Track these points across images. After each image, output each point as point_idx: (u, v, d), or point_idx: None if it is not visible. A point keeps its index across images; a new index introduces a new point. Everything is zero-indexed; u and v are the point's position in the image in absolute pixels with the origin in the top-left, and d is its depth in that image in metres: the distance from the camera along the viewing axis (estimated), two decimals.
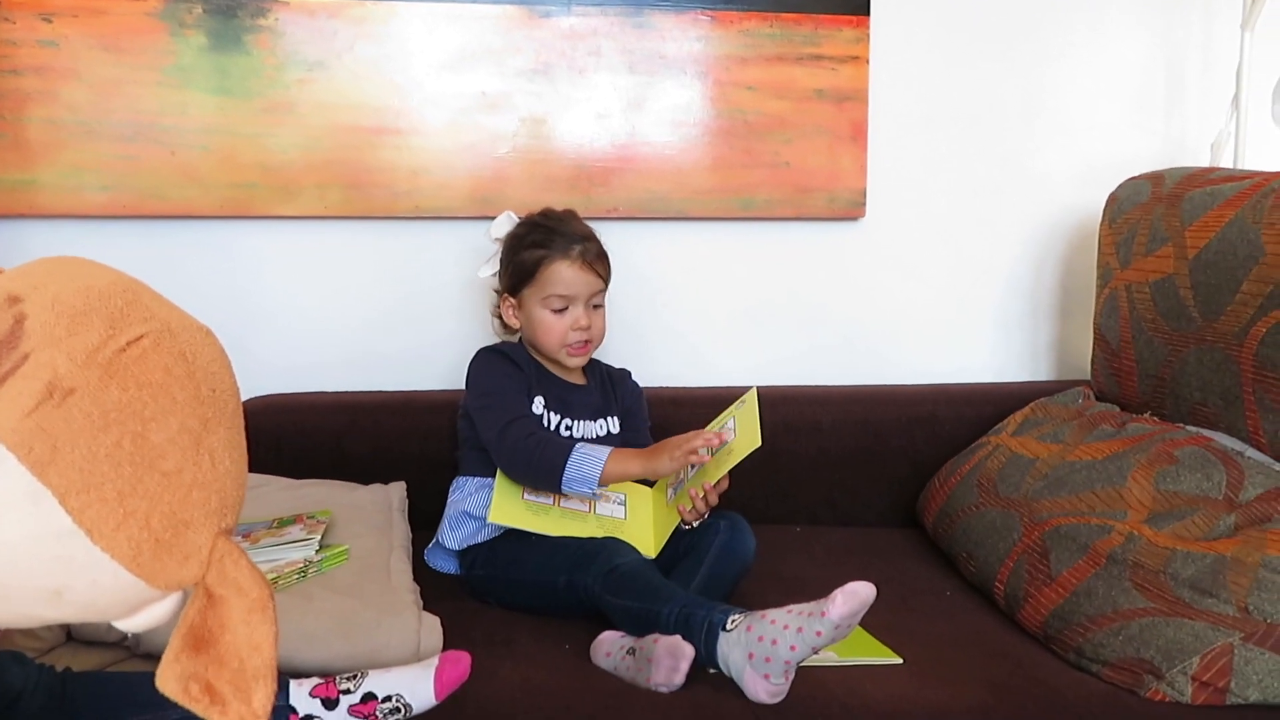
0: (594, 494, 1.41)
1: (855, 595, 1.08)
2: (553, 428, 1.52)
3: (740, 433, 1.43)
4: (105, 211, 1.70)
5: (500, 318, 1.60)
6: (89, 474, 0.55)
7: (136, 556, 0.57)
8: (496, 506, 1.41)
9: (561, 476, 1.39)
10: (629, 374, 1.68)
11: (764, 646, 1.10)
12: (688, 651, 1.13)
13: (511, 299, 1.55)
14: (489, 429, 1.45)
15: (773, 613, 1.13)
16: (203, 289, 1.74)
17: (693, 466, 1.45)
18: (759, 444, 1.38)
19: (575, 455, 1.39)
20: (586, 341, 1.53)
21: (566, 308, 1.50)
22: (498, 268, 1.58)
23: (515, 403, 1.48)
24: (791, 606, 1.12)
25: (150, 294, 0.64)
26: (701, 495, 1.39)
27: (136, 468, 0.57)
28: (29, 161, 1.66)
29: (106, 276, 0.63)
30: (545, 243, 1.50)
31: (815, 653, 1.10)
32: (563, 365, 1.57)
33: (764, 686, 1.10)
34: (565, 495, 1.43)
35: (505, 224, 1.57)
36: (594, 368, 1.64)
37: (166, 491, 0.58)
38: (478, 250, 1.64)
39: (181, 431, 0.59)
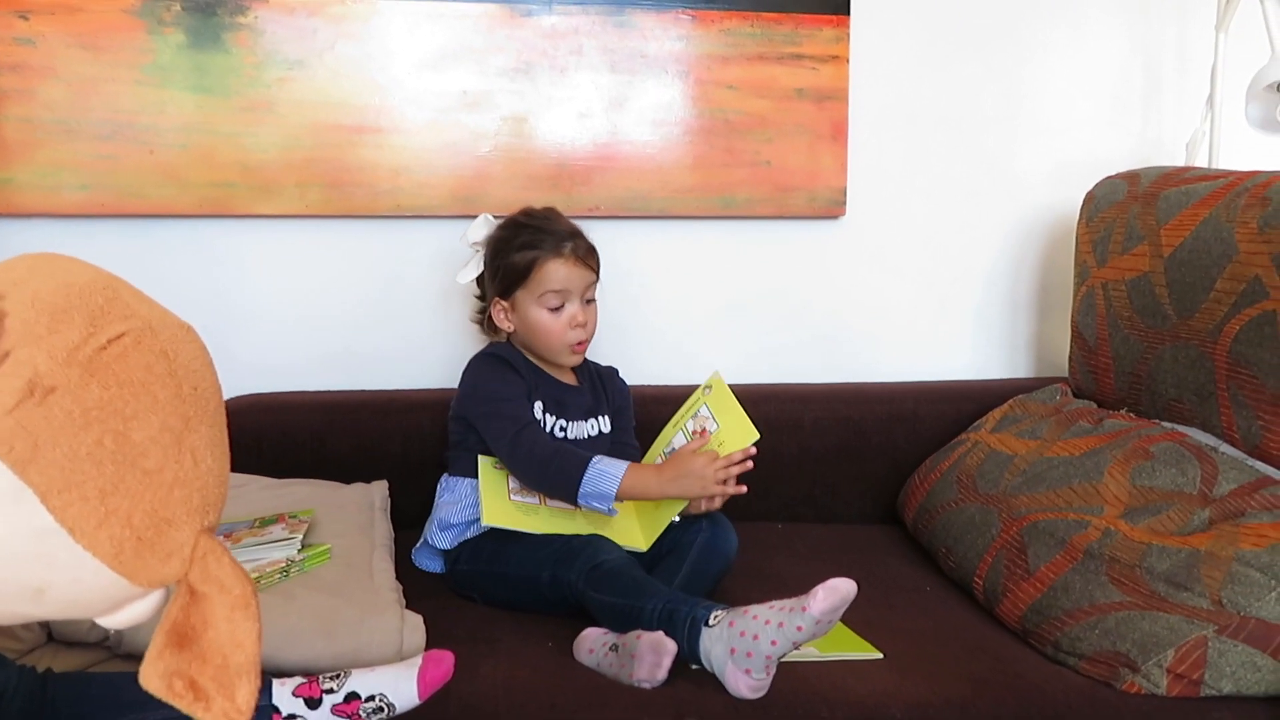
0: (611, 511, 1.41)
1: (836, 591, 1.09)
2: (548, 429, 1.52)
3: (725, 426, 1.44)
4: (83, 210, 1.68)
5: (482, 323, 1.60)
6: (70, 472, 0.55)
7: (118, 554, 0.57)
8: (487, 508, 1.41)
9: (578, 492, 1.39)
10: (616, 372, 1.68)
11: (745, 641, 1.11)
12: (670, 647, 1.14)
13: (503, 302, 1.54)
14: (499, 437, 1.45)
15: (754, 608, 1.13)
16: (182, 288, 1.73)
17: (666, 452, 1.47)
18: (756, 435, 1.40)
19: (591, 471, 1.39)
20: (586, 339, 1.53)
21: (562, 305, 1.50)
22: (477, 272, 1.58)
23: (521, 409, 1.48)
24: (773, 602, 1.13)
25: (131, 291, 0.64)
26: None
27: (118, 466, 0.57)
28: (6, 160, 1.65)
29: (87, 274, 0.63)
30: (536, 243, 1.49)
31: (796, 648, 1.11)
32: (557, 365, 1.57)
33: (745, 681, 1.11)
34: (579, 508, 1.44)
35: (484, 227, 1.56)
36: (584, 367, 1.64)
37: (148, 490, 0.58)
38: (459, 249, 1.63)
39: (163, 430, 0.59)
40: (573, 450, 1.44)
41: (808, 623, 1.09)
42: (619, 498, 1.39)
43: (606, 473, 1.39)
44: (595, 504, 1.39)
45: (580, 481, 1.38)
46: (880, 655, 1.26)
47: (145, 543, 0.58)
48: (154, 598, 0.62)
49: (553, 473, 1.42)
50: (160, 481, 0.58)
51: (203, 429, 0.62)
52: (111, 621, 0.62)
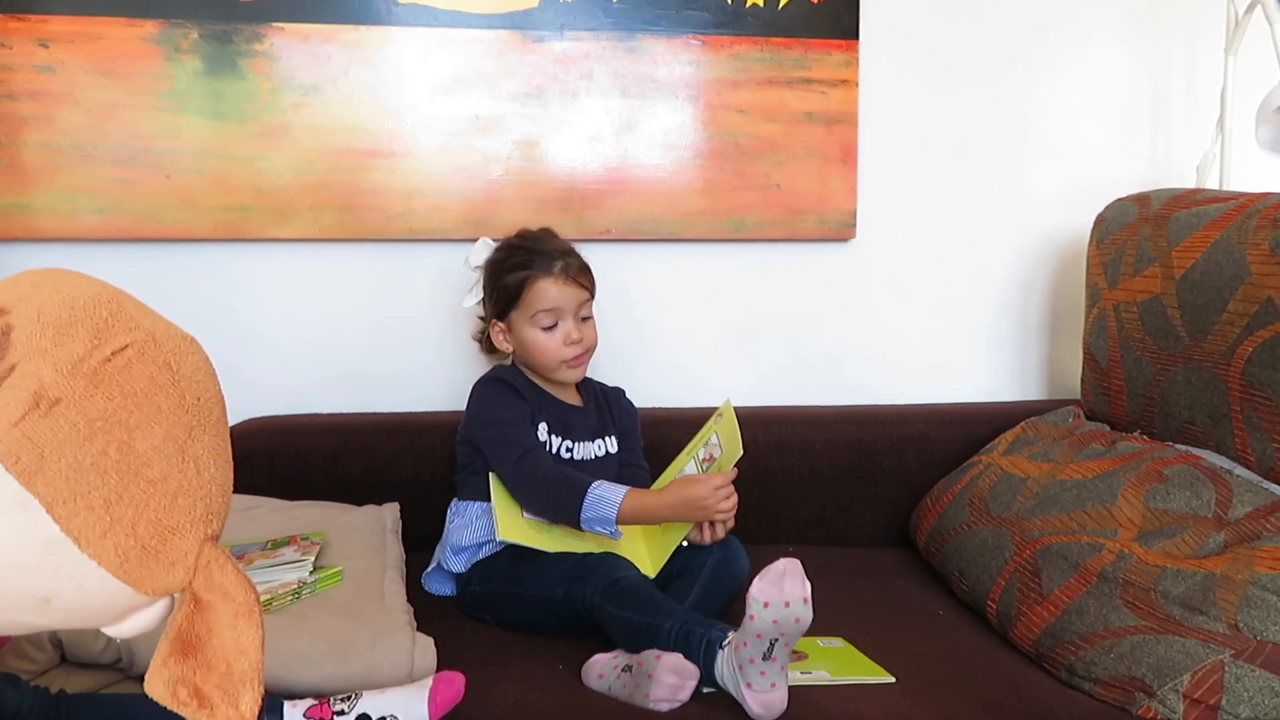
0: (613, 533, 1.41)
1: (769, 570, 1.09)
2: (554, 451, 1.53)
3: (726, 446, 1.44)
4: (100, 234, 1.70)
5: (483, 344, 1.61)
6: (75, 482, 0.56)
7: (123, 563, 0.58)
8: (502, 525, 1.42)
9: (580, 517, 1.39)
10: (623, 393, 1.68)
11: (739, 654, 1.12)
12: (693, 671, 1.14)
13: (500, 323, 1.55)
14: (502, 462, 1.46)
15: (738, 627, 1.14)
16: (197, 311, 1.74)
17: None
18: (741, 453, 1.40)
19: (591, 497, 1.39)
20: (582, 353, 1.54)
21: (556, 324, 1.51)
22: (480, 296, 1.59)
23: (524, 434, 1.49)
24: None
25: (135, 304, 0.65)
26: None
27: (122, 476, 0.57)
28: (25, 185, 1.67)
29: (91, 287, 0.64)
30: (527, 263, 1.51)
31: (763, 641, 1.09)
32: (560, 385, 1.58)
33: (751, 696, 1.12)
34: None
35: (484, 250, 1.58)
36: (589, 387, 1.64)
37: (152, 499, 0.59)
38: (469, 272, 1.65)
39: (166, 440, 0.60)
40: (574, 475, 1.44)
41: (755, 609, 1.08)
42: (619, 522, 1.39)
43: (606, 498, 1.39)
44: (598, 528, 1.40)
45: (581, 507, 1.39)
46: (893, 679, 1.25)
47: (149, 551, 0.59)
48: (159, 606, 0.63)
49: (554, 498, 1.43)
50: (164, 491, 0.59)
51: (206, 439, 0.63)
52: (117, 631, 0.62)
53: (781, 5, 1.81)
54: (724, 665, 1.14)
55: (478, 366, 1.75)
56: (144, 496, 0.58)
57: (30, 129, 1.66)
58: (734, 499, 1.40)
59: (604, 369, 1.78)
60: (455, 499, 1.56)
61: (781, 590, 1.08)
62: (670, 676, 1.14)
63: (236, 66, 1.70)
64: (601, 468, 1.53)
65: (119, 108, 1.68)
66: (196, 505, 0.61)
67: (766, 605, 1.08)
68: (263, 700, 0.63)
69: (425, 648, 1.22)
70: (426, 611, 1.37)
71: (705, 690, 1.17)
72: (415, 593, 1.46)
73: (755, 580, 1.10)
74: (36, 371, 0.57)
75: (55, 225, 1.69)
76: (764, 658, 1.10)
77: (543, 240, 1.54)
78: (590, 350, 1.56)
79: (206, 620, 0.61)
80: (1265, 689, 1.11)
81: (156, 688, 0.61)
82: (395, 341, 1.83)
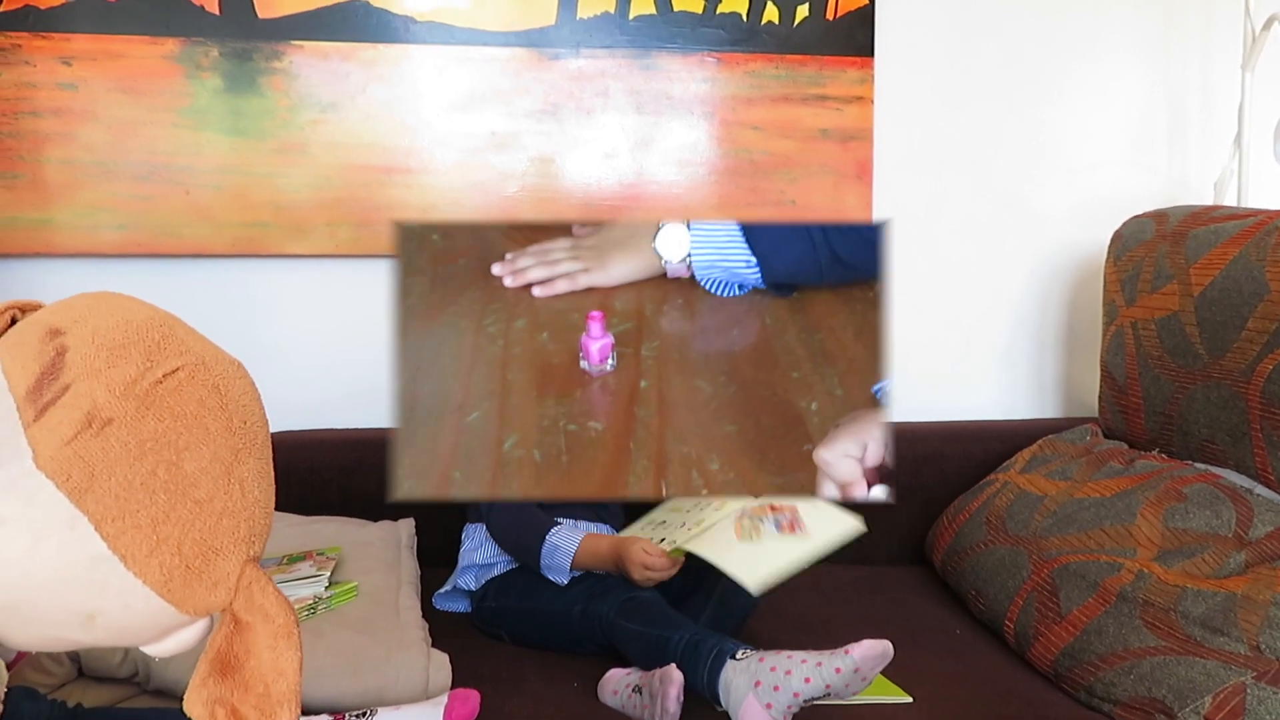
0: (564, 581, 1.42)
1: (878, 644, 1.11)
2: None
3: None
4: (120, 250, 1.72)
5: None
6: (124, 501, 0.57)
7: (168, 582, 0.59)
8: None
9: (539, 564, 1.42)
10: None
11: (775, 676, 1.11)
12: (676, 677, 1.14)
13: None
14: None
15: (793, 652, 1.14)
16: (215, 326, 1.73)
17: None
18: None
19: (547, 545, 1.41)
20: None
21: None
22: None
23: None
24: (815, 651, 1.14)
25: (185, 328, 0.66)
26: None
27: (170, 496, 0.58)
28: (47, 201, 1.69)
29: (143, 311, 0.65)
30: None
31: (828, 692, 1.10)
32: None
33: (763, 715, 1.10)
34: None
35: None
36: None
37: (198, 519, 0.59)
38: None
39: (213, 461, 0.60)
40: (537, 517, 1.45)
41: (847, 666, 1.09)
42: (575, 567, 1.41)
43: (561, 548, 1.41)
44: (557, 577, 1.41)
45: (540, 555, 1.41)
46: (909, 699, 1.24)
47: (194, 571, 0.59)
48: (199, 626, 0.63)
49: (513, 539, 1.46)
50: (210, 511, 0.60)
51: (251, 461, 0.63)
52: (157, 650, 0.63)
53: (797, 23, 1.82)
54: (735, 676, 1.14)
55: None
56: (190, 516, 0.59)
57: (52, 146, 1.68)
58: (653, 575, 1.37)
59: None
60: (466, 522, 1.56)
61: (872, 669, 1.12)
62: (660, 686, 1.14)
63: (256, 84, 1.72)
64: None
65: (140, 125, 1.70)
66: (240, 526, 0.62)
67: (857, 670, 1.10)
68: None
69: (440, 664, 1.22)
70: (441, 628, 1.36)
71: (719, 709, 1.16)
72: (430, 609, 1.46)
73: (866, 645, 1.11)
74: (90, 392, 0.58)
75: (76, 241, 1.70)
76: (808, 700, 1.11)
77: None
78: None
79: (246, 641, 0.62)
80: None
81: (195, 707, 0.62)
82: None
